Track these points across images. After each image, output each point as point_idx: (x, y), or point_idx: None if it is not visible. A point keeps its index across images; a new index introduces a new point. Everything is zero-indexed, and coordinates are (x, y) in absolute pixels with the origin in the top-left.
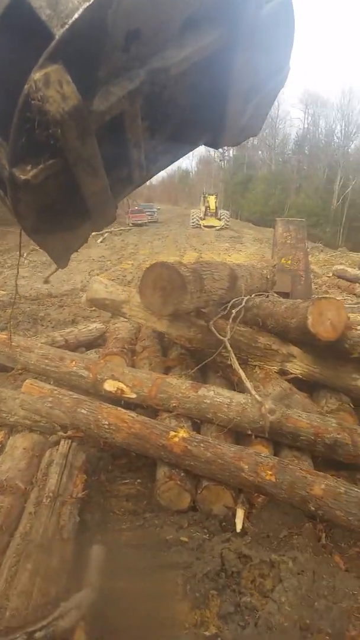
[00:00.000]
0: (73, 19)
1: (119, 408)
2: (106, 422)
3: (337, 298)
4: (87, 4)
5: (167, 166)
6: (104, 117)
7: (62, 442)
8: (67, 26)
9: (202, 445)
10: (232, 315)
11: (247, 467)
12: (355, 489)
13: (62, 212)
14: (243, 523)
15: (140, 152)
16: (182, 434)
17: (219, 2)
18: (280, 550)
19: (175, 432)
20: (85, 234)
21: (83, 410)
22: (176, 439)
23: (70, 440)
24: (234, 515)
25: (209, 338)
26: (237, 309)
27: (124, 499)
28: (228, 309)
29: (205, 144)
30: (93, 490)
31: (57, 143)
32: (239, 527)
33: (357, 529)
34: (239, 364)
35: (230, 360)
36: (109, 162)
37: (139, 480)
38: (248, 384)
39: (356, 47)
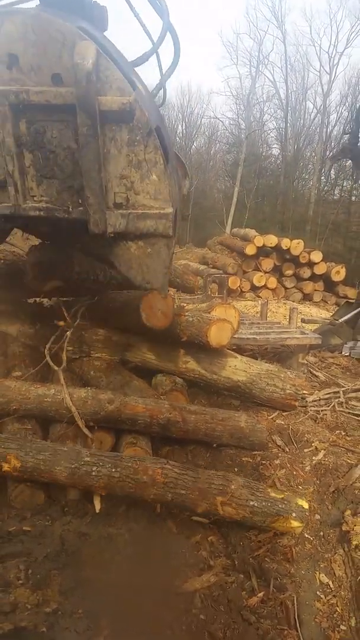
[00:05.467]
0: None
1: None
2: None
3: None
4: None
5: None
6: None
7: None
8: None
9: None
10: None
11: None
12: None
13: None
14: (99, 503)
15: (13, 164)
16: (14, 462)
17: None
18: (117, 524)
19: (6, 462)
20: None
21: None
22: (7, 468)
23: None
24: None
25: (50, 334)
26: (78, 305)
27: None
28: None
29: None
30: None
31: None
32: (97, 508)
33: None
34: (82, 356)
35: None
36: None
37: None
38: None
39: (190, 44)
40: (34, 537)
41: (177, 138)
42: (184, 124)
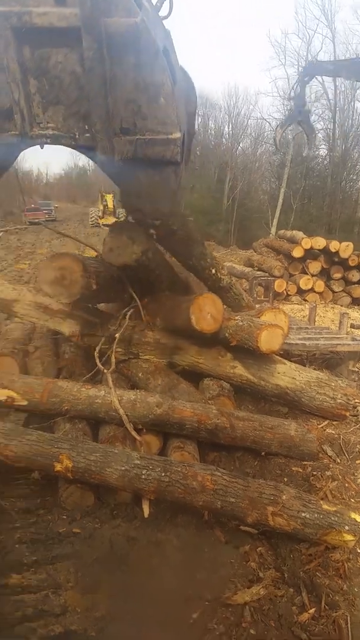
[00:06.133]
0: None
1: None
2: None
3: None
4: None
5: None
6: None
7: None
8: None
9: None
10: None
11: None
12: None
13: None
14: (148, 508)
15: (18, 91)
16: (67, 463)
17: None
18: (166, 530)
19: (59, 462)
20: None
21: None
22: (60, 468)
23: None
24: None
25: (100, 336)
26: (128, 308)
27: (18, 499)
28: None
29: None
30: None
31: None
32: (146, 513)
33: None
34: (131, 358)
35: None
36: None
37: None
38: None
39: (239, 46)
40: (84, 540)
41: (224, 139)
42: (230, 125)
